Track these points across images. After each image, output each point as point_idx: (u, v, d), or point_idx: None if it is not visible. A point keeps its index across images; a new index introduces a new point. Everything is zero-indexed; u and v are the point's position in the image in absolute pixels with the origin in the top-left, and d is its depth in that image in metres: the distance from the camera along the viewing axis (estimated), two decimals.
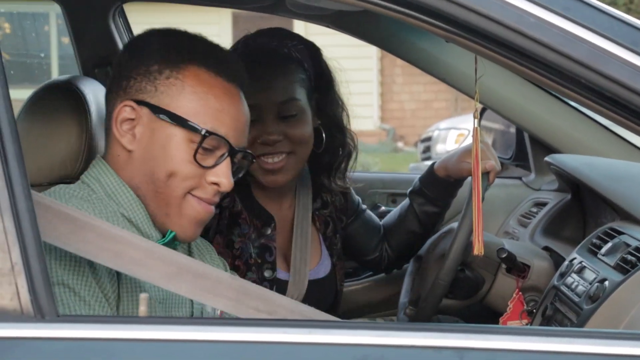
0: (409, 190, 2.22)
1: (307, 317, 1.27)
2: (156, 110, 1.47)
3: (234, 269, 1.95)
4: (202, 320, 1.26)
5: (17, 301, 1.13)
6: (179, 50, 1.50)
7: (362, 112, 13.28)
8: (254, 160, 1.57)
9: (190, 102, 1.46)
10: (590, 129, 2.48)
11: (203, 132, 1.45)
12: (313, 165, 2.08)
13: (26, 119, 1.80)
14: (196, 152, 1.45)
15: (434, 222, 2.21)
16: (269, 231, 1.99)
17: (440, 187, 2.15)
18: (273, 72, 1.96)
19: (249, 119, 1.54)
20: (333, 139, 2.07)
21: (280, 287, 1.99)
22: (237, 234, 1.96)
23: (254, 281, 1.94)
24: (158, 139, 1.46)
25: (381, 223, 2.29)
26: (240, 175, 1.56)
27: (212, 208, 1.51)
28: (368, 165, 10.55)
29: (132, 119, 1.48)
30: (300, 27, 12.22)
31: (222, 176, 1.47)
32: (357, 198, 2.24)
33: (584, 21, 1.23)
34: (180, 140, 1.46)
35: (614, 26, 1.23)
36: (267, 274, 1.97)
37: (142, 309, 1.19)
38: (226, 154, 1.48)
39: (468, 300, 2.13)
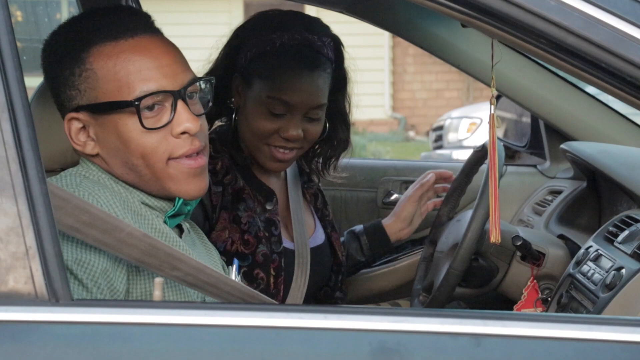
0: (350, 229, 2.33)
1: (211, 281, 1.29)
2: (89, 108, 1.45)
3: (245, 243, 1.98)
4: (216, 305, 1.26)
5: (32, 285, 1.13)
6: (70, 45, 1.46)
7: (373, 101, 13.32)
8: (213, 82, 1.53)
9: (110, 82, 1.43)
10: (606, 116, 2.46)
11: (132, 101, 1.41)
12: (310, 152, 2.14)
13: (38, 106, 1.80)
14: (141, 121, 1.41)
15: (350, 269, 2.31)
16: (271, 206, 2.03)
17: (378, 239, 2.28)
18: (314, 76, 1.98)
19: (175, 52, 1.47)
20: (336, 132, 2.13)
21: (288, 256, 2.03)
22: (244, 209, 2.00)
23: (264, 254, 1.99)
24: (110, 132, 1.45)
25: None
26: (211, 104, 1.50)
27: (200, 158, 1.46)
28: (379, 154, 10.55)
29: (84, 127, 1.47)
30: (312, 14, 12.19)
31: (185, 122, 1.43)
32: None
33: (605, 4, 1.22)
34: (125, 121, 1.43)
35: (636, 9, 1.21)
36: (275, 247, 2.01)
37: (157, 294, 1.18)
38: (174, 102, 1.43)
39: (482, 289, 2.12)
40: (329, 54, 2.03)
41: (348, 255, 2.29)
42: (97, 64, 1.43)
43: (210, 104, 1.51)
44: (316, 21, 2.06)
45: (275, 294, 1.99)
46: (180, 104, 1.43)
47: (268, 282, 1.98)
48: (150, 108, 1.42)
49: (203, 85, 1.49)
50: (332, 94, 2.06)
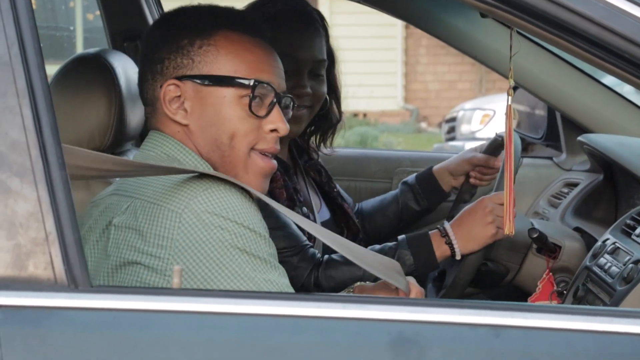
0: (403, 180, 2.33)
1: None
2: (200, 79, 1.50)
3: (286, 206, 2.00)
4: (235, 293, 1.25)
5: (51, 271, 1.13)
6: (203, 20, 1.54)
7: (385, 92, 13.27)
8: (296, 105, 1.61)
9: (228, 63, 1.51)
10: (624, 109, 2.44)
11: (251, 82, 1.50)
12: (306, 126, 2.18)
13: (55, 92, 1.80)
14: (250, 104, 1.49)
15: (410, 221, 2.32)
16: (288, 177, 2.08)
17: (431, 188, 2.27)
18: (314, 31, 2.10)
19: (282, 67, 1.59)
20: (330, 107, 2.20)
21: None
22: (279, 172, 2.04)
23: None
24: (210, 105, 1.50)
25: (361, 204, 2.38)
26: (289, 116, 1.60)
27: (274, 162, 1.55)
28: (391, 145, 10.52)
29: (179, 96, 1.51)
30: (325, 5, 12.16)
31: (278, 121, 1.52)
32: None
33: None
34: (231, 98, 1.50)
35: None
36: (304, 210, 2.04)
37: (176, 281, 1.18)
38: (274, 100, 1.52)
39: (492, 290, 2.12)
40: (317, 19, 2.14)
41: (404, 205, 2.30)
42: (221, 43, 1.51)
43: (288, 117, 1.58)
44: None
45: None
46: (277, 105, 1.52)
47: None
48: (254, 98, 1.50)
49: (286, 103, 1.57)
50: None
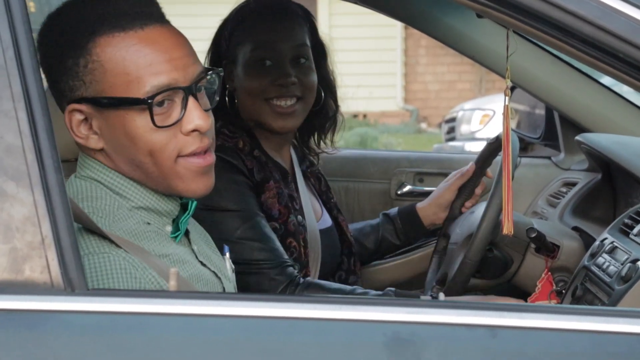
0: (385, 212, 2.36)
1: None
2: (94, 102, 1.36)
3: (279, 215, 2.02)
4: (231, 295, 1.26)
5: (48, 274, 1.13)
6: (74, 33, 1.36)
7: (385, 92, 13.27)
8: (222, 74, 1.45)
9: (118, 76, 1.34)
10: (621, 108, 2.44)
11: (144, 99, 1.33)
12: (304, 124, 2.17)
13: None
14: (153, 118, 1.33)
15: (387, 252, 2.36)
16: (287, 183, 2.09)
17: (412, 224, 2.30)
18: (288, 20, 2.09)
19: (185, 44, 1.39)
20: (326, 100, 2.19)
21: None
22: (273, 181, 2.05)
23: (294, 224, 2.03)
24: (116, 126, 1.36)
25: None
26: (217, 98, 1.42)
27: (209, 155, 1.39)
28: (391, 145, 10.52)
29: (85, 119, 1.38)
30: (324, 6, 12.17)
31: (196, 119, 1.35)
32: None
33: None
34: (133, 117, 1.34)
35: None
36: (299, 219, 2.05)
37: (172, 284, 1.18)
38: (185, 97, 1.35)
39: (496, 280, 2.12)
40: (297, 10, 2.13)
41: (383, 238, 2.33)
42: (105, 55, 1.34)
43: (217, 97, 1.43)
44: None
45: (306, 265, 2.03)
46: (191, 100, 1.35)
47: (300, 251, 2.02)
48: (160, 104, 1.34)
49: (209, 77, 1.41)
50: (315, 65, 2.12)
